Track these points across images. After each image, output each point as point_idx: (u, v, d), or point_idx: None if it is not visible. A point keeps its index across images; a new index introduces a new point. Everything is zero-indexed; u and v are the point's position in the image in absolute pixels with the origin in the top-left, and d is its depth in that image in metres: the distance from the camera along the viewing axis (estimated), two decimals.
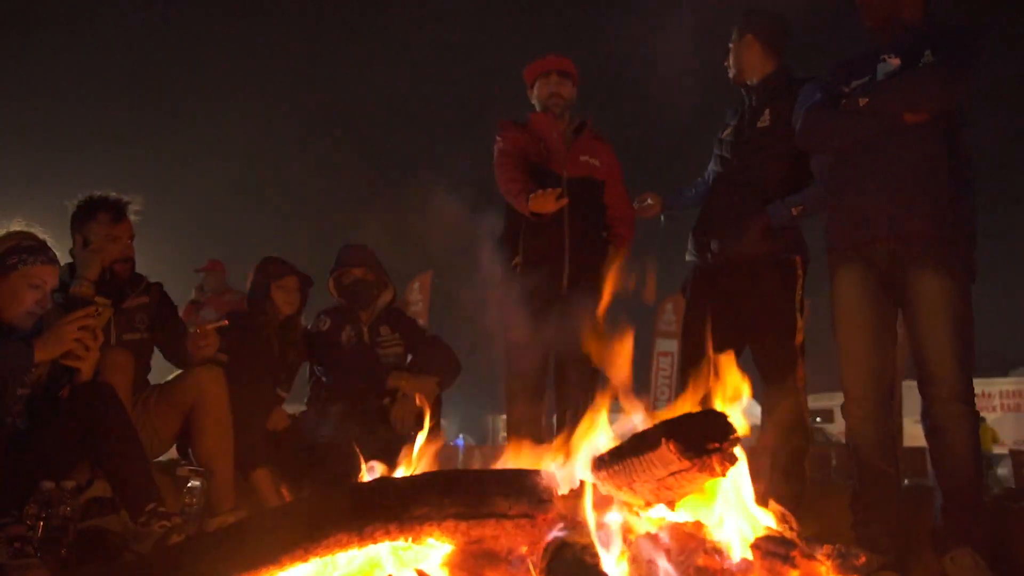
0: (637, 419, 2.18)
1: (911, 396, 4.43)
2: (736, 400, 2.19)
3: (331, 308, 4.77)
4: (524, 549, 1.83)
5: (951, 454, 3.13)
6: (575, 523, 1.81)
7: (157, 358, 4.13)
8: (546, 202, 3.99)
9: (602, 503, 1.89)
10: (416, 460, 2.30)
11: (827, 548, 1.95)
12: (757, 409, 3.85)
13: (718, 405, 2.14)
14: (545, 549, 1.77)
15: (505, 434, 5.70)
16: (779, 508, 2.07)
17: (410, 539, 1.87)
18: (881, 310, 3.32)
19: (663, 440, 1.80)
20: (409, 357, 4.75)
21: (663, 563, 1.75)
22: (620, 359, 2.28)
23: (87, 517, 3.28)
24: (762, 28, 3.91)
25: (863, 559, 2.05)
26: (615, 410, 2.27)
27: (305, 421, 4.45)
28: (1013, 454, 17.75)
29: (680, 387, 3.92)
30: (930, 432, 3.19)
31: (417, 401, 4.31)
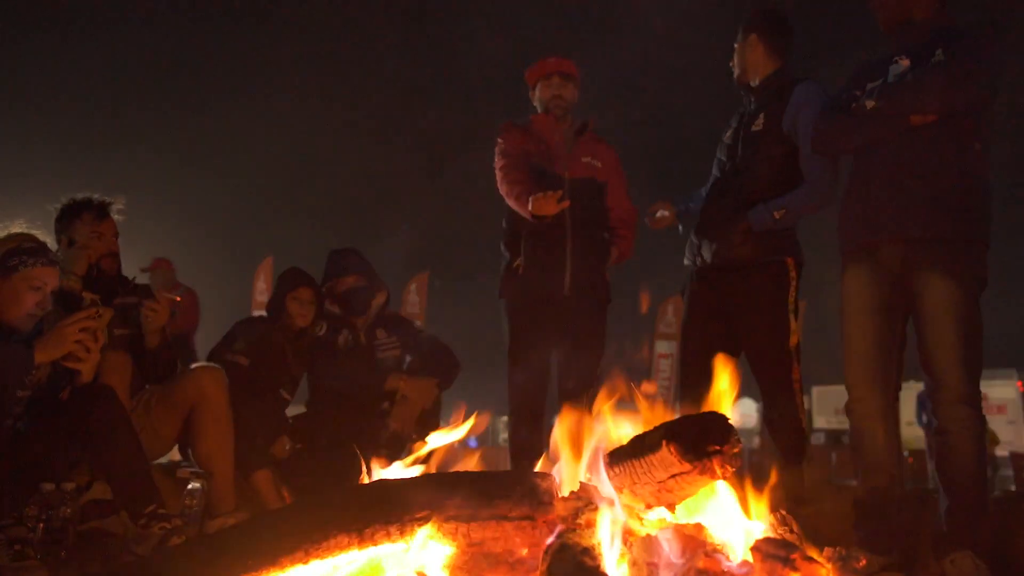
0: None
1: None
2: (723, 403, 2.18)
3: (327, 313, 4.77)
4: (525, 551, 1.83)
5: (955, 457, 3.13)
6: (576, 525, 1.81)
7: None
8: (547, 204, 3.99)
9: (603, 505, 1.88)
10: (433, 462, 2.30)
11: (827, 551, 1.95)
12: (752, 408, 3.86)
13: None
14: (545, 551, 1.77)
15: (506, 435, 5.69)
16: (780, 510, 2.07)
17: (411, 541, 1.87)
18: (887, 311, 3.32)
19: (663, 442, 1.80)
20: (407, 359, 4.75)
21: (663, 565, 1.75)
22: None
23: (87, 519, 3.28)
24: (766, 28, 3.90)
25: (863, 561, 2.04)
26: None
27: (305, 423, 4.45)
28: (1014, 457, 17.77)
29: (680, 389, 3.94)
30: (935, 435, 3.19)
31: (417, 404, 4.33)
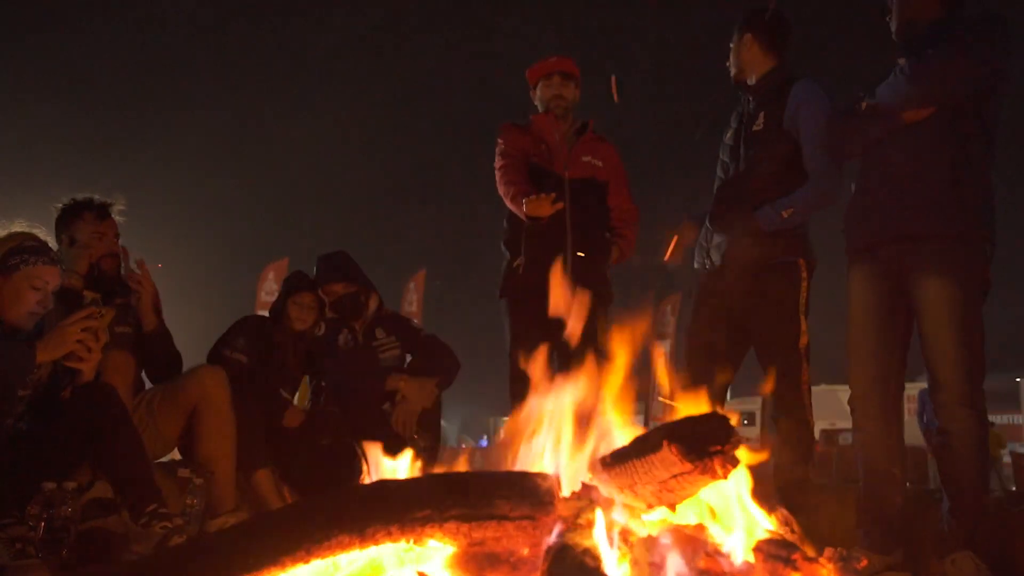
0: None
1: None
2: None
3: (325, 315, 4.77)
4: (526, 551, 1.83)
5: (956, 458, 3.13)
6: (576, 525, 1.81)
7: None
8: (541, 206, 4.00)
9: (604, 505, 1.88)
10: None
11: (829, 551, 1.95)
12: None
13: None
14: (546, 551, 1.77)
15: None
16: (782, 511, 2.07)
17: (412, 541, 1.87)
18: (889, 311, 3.33)
19: (665, 442, 1.79)
20: (407, 358, 4.74)
21: (665, 566, 1.75)
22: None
23: (88, 518, 3.28)
24: (761, 27, 3.90)
25: (864, 562, 2.04)
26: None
27: (306, 422, 4.45)
28: (1014, 457, 17.75)
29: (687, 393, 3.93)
30: (937, 436, 3.19)
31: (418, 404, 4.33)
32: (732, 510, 1.97)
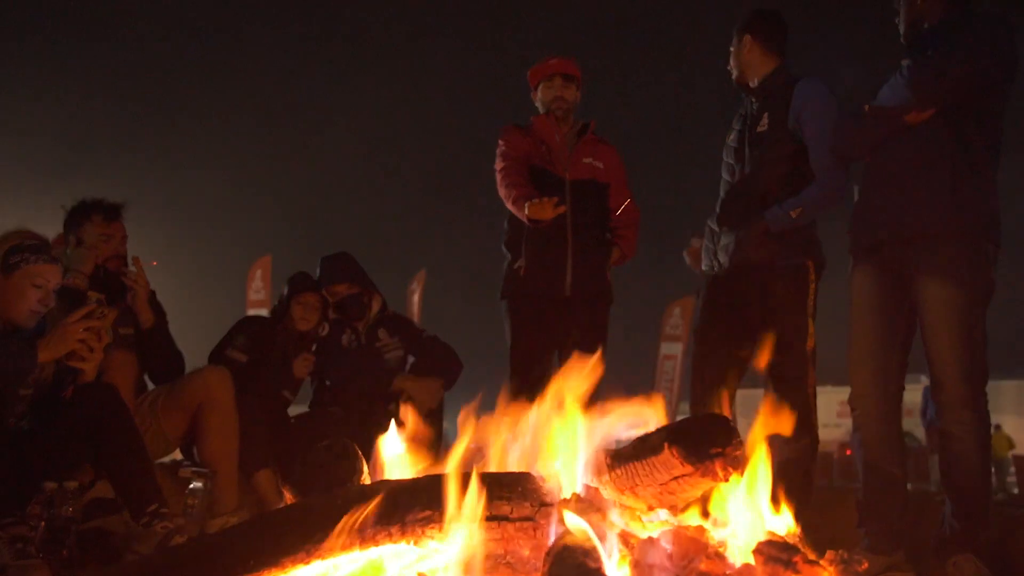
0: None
1: None
2: None
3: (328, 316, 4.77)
4: (526, 552, 1.83)
5: (958, 460, 3.13)
6: (577, 527, 1.81)
7: None
8: (543, 210, 4.00)
9: (604, 507, 1.88)
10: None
11: (829, 553, 1.95)
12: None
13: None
14: (547, 552, 1.77)
15: None
16: (783, 513, 2.07)
17: (412, 542, 1.87)
18: (891, 311, 3.32)
19: (665, 444, 1.79)
20: (411, 360, 4.74)
21: (665, 568, 1.75)
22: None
23: (89, 518, 3.29)
24: (760, 28, 3.90)
25: (865, 565, 2.04)
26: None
27: (308, 422, 4.45)
28: (1016, 459, 17.71)
29: (691, 392, 3.93)
30: (939, 438, 3.20)
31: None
32: (733, 512, 1.97)
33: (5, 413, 3.09)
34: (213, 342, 4.55)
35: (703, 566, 1.76)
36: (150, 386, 4.08)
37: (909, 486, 3.62)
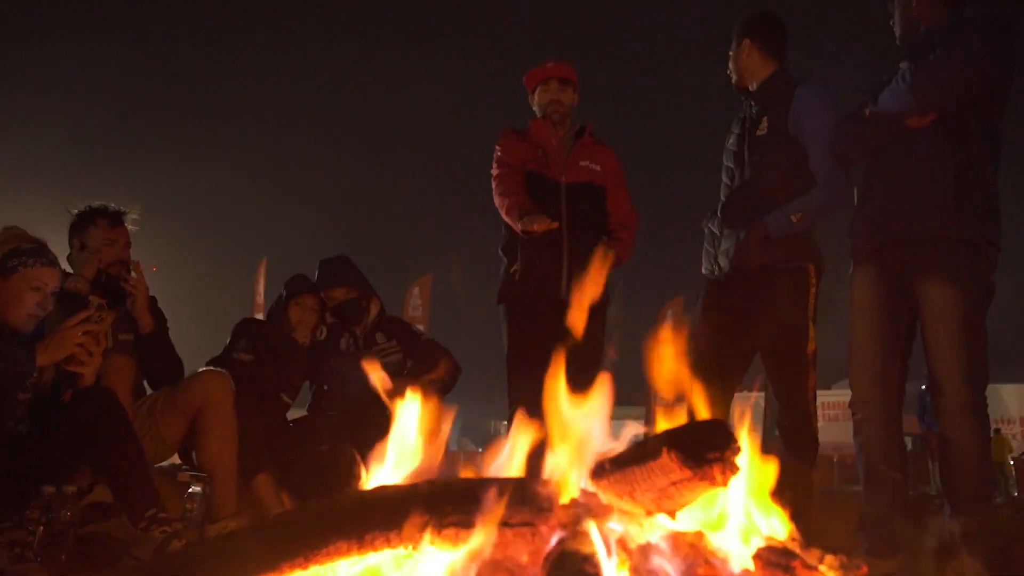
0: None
1: None
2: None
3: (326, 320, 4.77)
4: (524, 558, 1.82)
5: (958, 465, 3.13)
6: (576, 532, 1.80)
7: None
8: (536, 225, 4.04)
9: (603, 512, 1.88)
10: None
11: (829, 558, 1.94)
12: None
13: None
14: (545, 558, 1.77)
15: None
16: (783, 517, 2.06)
17: (410, 547, 1.86)
18: (892, 314, 3.33)
19: (664, 449, 1.79)
20: (408, 363, 4.74)
21: (664, 573, 1.74)
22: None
23: (88, 522, 3.29)
24: (758, 32, 3.90)
25: (864, 569, 2.04)
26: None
27: (306, 427, 4.45)
28: (1017, 462, 17.71)
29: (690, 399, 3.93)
30: (939, 442, 3.20)
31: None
32: (732, 517, 1.96)
33: (4, 417, 3.09)
34: (218, 345, 4.56)
35: (702, 571, 1.75)
36: (149, 391, 4.08)
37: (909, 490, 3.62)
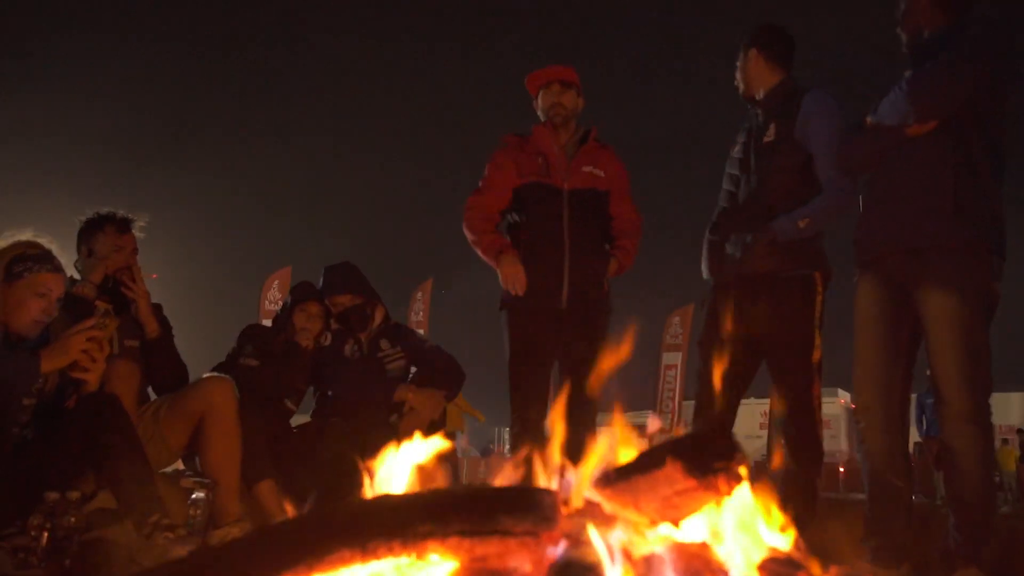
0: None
1: None
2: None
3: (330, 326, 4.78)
4: (528, 567, 1.82)
5: (961, 474, 3.12)
6: (580, 542, 1.80)
7: None
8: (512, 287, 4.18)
9: (607, 522, 1.87)
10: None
11: (834, 568, 1.94)
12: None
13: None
14: (550, 568, 1.76)
15: (509, 447, 5.69)
16: (787, 527, 2.06)
17: (414, 556, 1.86)
18: (895, 323, 3.32)
19: (668, 458, 1.78)
20: (413, 370, 4.74)
21: None
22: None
23: (91, 528, 3.28)
24: (764, 41, 3.92)
25: None
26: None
27: (310, 433, 4.45)
28: (1020, 471, 17.65)
29: (695, 404, 3.93)
30: (943, 451, 3.19)
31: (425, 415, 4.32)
32: (737, 527, 1.95)
33: (8, 422, 3.10)
34: (221, 351, 4.57)
35: None
36: (153, 398, 4.10)
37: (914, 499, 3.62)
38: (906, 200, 3.25)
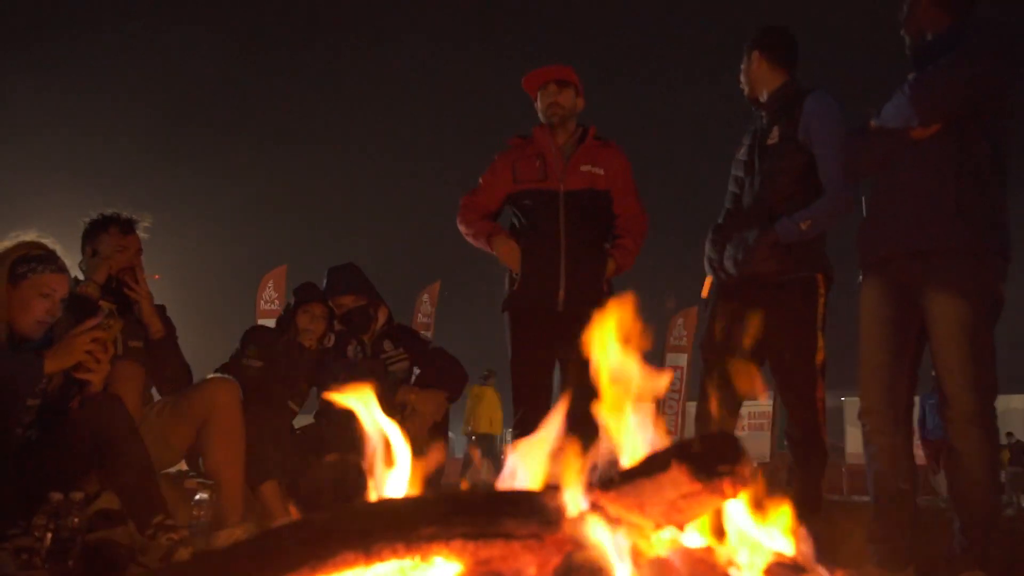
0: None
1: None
2: None
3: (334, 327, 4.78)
4: (532, 570, 1.81)
5: (965, 477, 3.11)
6: (584, 545, 1.79)
7: None
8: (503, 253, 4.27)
9: (611, 525, 1.87)
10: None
11: (839, 572, 1.93)
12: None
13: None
14: (554, 572, 1.76)
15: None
16: (793, 530, 2.05)
17: (418, 558, 1.85)
18: (900, 325, 3.31)
19: (673, 461, 1.78)
20: (416, 371, 4.73)
21: None
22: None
23: (95, 529, 3.28)
24: (767, 43, 3.92)
25: None
26: None
27: (313, 435, 4.45)
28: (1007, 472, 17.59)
29: (698, 405, 3.93)
30: (947, 454, 3.18)
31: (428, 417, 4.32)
32: (742, 531, 1.95)
33: (12, 423, 3.10)
34: (224, 351, 4.57)
35: None
36: (157, 398, 4.10)
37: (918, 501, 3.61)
38: (910, 202, 3.24)
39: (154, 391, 4.13)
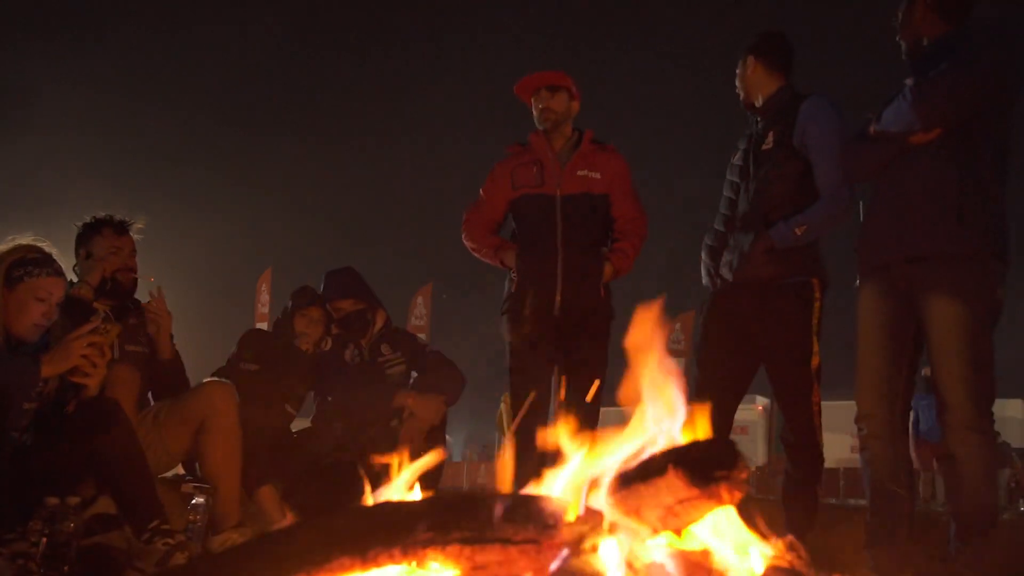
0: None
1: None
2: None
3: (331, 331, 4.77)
4: None
5: (963, 482, 3.11)
6: (581, 550, 1.79)
7: None
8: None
9: (608, 530, 1.86)
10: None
11: None
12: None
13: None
14: None
15: None
16: (789, 535, 2.05)
17: (414, 563, 1.85)
18: (898, 330, 3.31)
19: (670, 467, 1.78)
20: (413, 375, 4.73)
21: None
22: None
23: (91, 533, 3.27)
24: (763, 48, 3.92)
25: None
26: None
27: (310, 438, 4.44)
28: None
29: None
30: (946, 459, 3.18)
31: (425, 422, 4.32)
32: (738, 536, 1.95)
33: (8, 427, 3.09)
34: (220, 354, 4.57)
35: None
36: (152, 402, 4.10)
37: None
38: (909, 208, 3.24)
39: (150, 395, 4.13)
